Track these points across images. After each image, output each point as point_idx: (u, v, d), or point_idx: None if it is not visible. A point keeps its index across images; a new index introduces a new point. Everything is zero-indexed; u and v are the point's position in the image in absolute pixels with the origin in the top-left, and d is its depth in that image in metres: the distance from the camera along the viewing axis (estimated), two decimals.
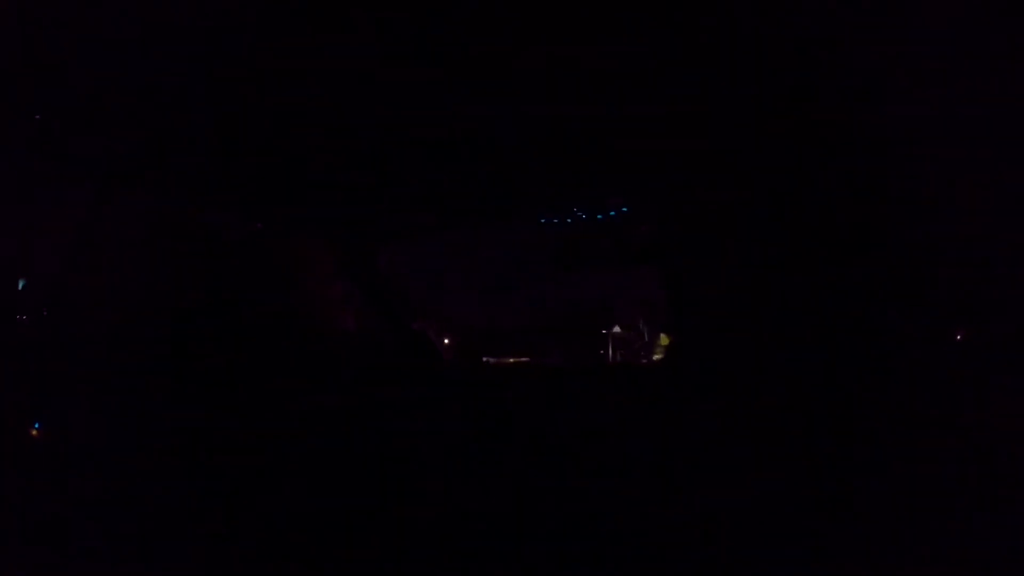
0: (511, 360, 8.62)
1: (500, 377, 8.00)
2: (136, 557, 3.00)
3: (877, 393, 4.24)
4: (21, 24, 3.55)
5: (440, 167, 6.08)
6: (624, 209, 7.49)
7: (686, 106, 4.64)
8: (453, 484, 4.12)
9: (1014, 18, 3.28)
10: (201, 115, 4.60)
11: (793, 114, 4.50)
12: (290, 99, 4.54)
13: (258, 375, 5.54)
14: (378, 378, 6.49)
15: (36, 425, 4.16)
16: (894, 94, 4.02)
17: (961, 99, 3.76)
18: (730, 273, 5.60)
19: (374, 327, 7.71)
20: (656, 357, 8.73)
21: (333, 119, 4.94)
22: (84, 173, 4.83)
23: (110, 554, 2.99)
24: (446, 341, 8.71)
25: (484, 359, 8.61)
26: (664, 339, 8.03)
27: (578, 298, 9.03)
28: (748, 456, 4.07)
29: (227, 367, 5.39)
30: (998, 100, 3.68)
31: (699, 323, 5.85)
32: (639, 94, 4.59)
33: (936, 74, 3.71)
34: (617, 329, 8.97)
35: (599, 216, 7.71)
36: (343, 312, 7.59)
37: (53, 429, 4.14)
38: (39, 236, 4.46)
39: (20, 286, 4.42)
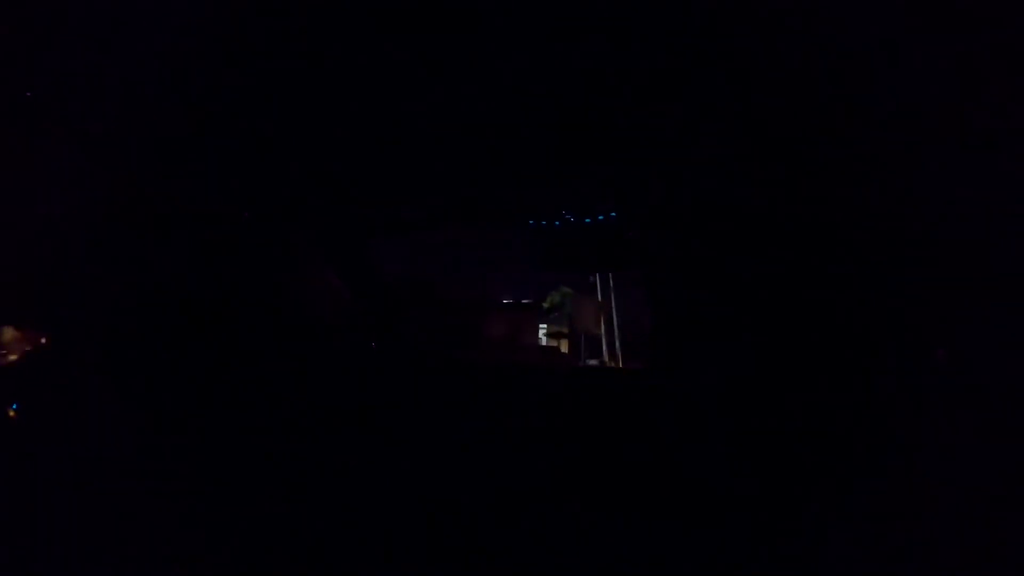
0: (495, 357, 8.43)
1: (487, 375, 7.95)
2: (122, 553, 3.01)
3: (858, 407, 4.30)
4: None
5: (432, 164, 6.12)
6: (612, 214, 7.55)
7: (678, 112, 4.71)
8: (445, 480, 4.13)
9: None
10: (192, 104, 4.61)
11: (784, 123, 4.57)
12: (282, 89, 4.56)
13: (244, 367, 5.54)
14: (366, 372, 6.51)
15: (14, 406, 4.15)
16: (889, 106, 4.08)
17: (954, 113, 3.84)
18: (714, 281, 5.65)
19: (362, 321, 7.71)
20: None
21: (325, 110, 4.97)
22: (73, 162, 4.83)
23: (97, 551, 3.00)
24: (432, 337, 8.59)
25: (469, 356, 8.46)
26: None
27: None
28: (727, 463, 4.11)
29: (215, 359, 5.39)
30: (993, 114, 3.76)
31: (680, 329, 5.89)
32: (632, 98, 4.66)
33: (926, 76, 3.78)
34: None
35: (587, 220, 7.77)
36: (331, 305, 7.59)
37: (38, 420, 4.13)
38: (25, 226, 4.46)
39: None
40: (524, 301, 9.20)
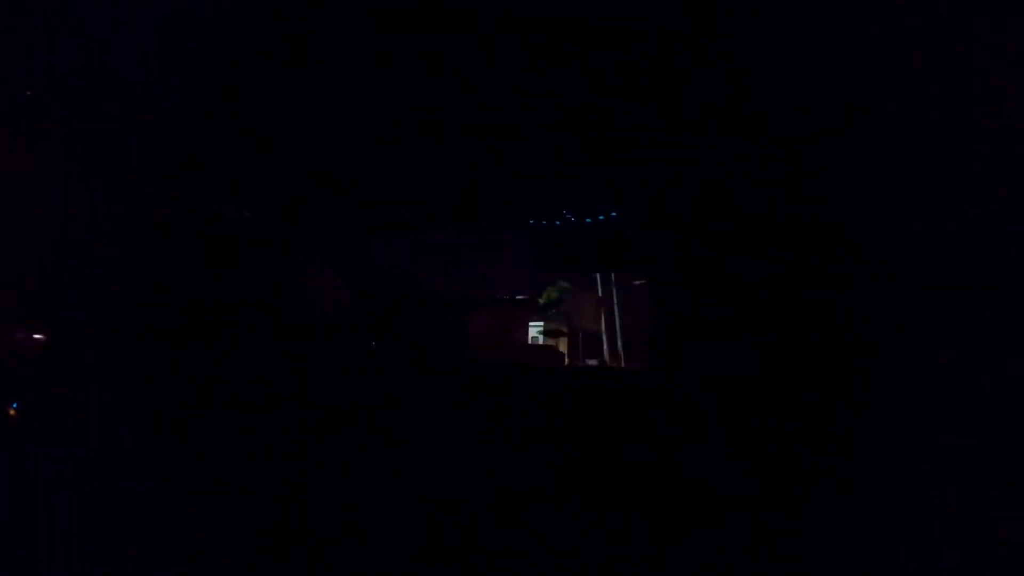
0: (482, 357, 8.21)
1: (486, 374, 7.88)
2: (122, 553, 3.01)
3: (858, 407, 4.30)
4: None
5: (432, 164, 6.12)
6: (612, 214, 7.53)
7: (678, 112, 4.71)
8: (444, 479, 4.14)
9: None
10: (193, 104, 4.62)
11: (784, 123, 4.56)
12: (282, 88, 4.57)
13: (244, 367, 5.54)
14: (366, 371, 6.51)
15: (14, 405, 4.16)
16: (889, 106, 4.07)
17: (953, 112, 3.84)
18: (714, 282, 5.64)
19: (362, 321, 7.71)
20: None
21: (326, 109, 4.97)
22: (73, 162, 4.83)
23: (97, 551, 3.00)
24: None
25: (455, 356, 8.24)
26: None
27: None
28: (727, 463, 4.11)
29: (215, 359, 5.39)
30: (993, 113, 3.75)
31: (681, 329, 5.89)
32: (632, 98, 4.66)
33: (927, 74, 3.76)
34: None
35: (587, 220, 7.75)
36: (331, 305, 7.59)
37: (38, 420, 4.14)
38: (26, 225, 4.47)
39: None
40: (519, 297, 8.80)
